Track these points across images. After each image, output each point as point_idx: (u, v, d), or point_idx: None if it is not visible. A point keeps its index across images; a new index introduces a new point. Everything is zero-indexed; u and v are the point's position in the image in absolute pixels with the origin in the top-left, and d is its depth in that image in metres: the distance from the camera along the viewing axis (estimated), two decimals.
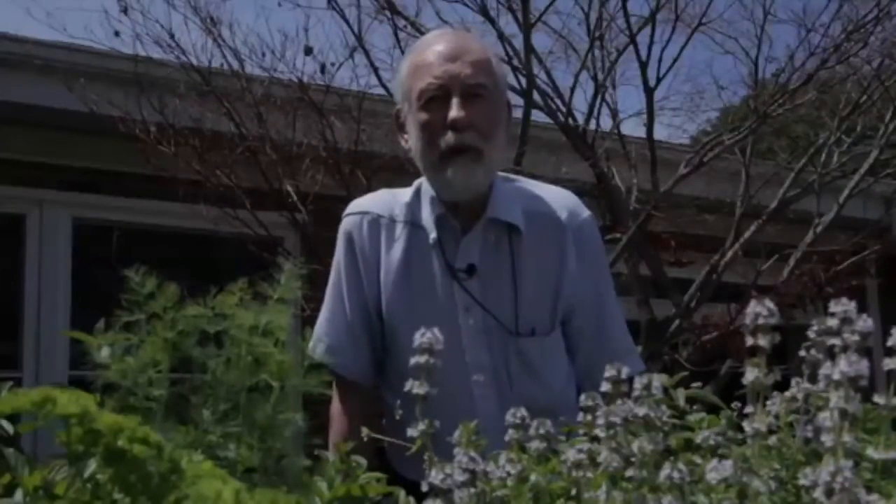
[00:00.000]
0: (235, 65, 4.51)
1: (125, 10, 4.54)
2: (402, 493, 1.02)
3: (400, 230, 1.78)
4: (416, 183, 1.82)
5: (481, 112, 1.70)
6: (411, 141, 1.75)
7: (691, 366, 4.41)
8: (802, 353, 0.90)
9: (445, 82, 1.69)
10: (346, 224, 1.82)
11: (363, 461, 1.05)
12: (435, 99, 1.69)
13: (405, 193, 1.81)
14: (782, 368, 0.82)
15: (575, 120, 4.91)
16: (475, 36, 2.03)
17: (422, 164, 1.74)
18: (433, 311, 1.67)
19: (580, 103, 6.16)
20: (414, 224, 1.77)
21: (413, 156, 1.77)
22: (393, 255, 1.77)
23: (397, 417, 1.20)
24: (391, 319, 1.76)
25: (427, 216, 1.76)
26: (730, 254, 5.01)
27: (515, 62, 4.61)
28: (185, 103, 4.34)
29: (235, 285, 1.12)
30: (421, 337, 0.96)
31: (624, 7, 4.85)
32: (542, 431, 0.93)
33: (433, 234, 1.74)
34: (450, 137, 1.68)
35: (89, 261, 4.81)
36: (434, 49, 1.73)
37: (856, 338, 0.73)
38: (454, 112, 1.67)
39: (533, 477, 0.89)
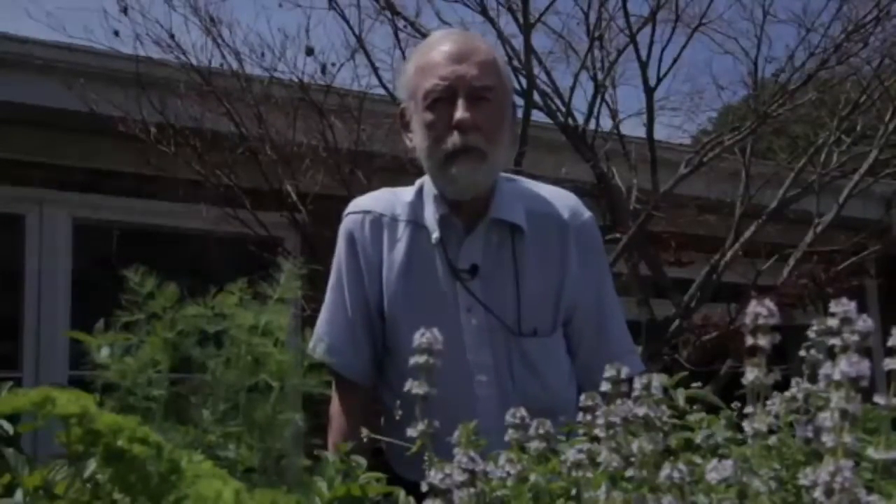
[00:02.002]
0: (235, 65, 4.51)
1: (125, 10, 4.54)
2: (402, 494, 1.03)
3: (402, 229, 1.77)
4: (418, 182, 1.81)
5: (486, 114, 1.69)
6: (416, 140, 1.75)
7: (691, 366, 4.41)
8: (802, 353, 0.90)
9: (452, 83, 1.69)
10: (347, 223, 1.81)
11: (363, 461, 1.05)
12: (441, 100, 1.69)
13: (407, 192, 1.81)
14: (782, 368, 0.82)
15: (575, 120, 4.91)
16: (481, 37, 2.03)
17: (426, 164, 1.74)
18: (435, 311, 1.67)
19: (580, 103, 6.17)
20: (416, 223, 1.77)
21: (417, 154, 1.76)
22: (395, 254, 1.76)
23: (397, 417, 1.20)
24: (393, 319, 1.76)
25: (430, 215, 1.75)
26: (730, 254, 5.01)
27: (515, 62, 4.61)
28: (186, 103, 4.34)
29: (235, 285, 1.12)
30: (420, 337, 0.96)
31: (624, 7, 4.84)
32: (541, 431, 0.93)
33: (436, 234, 1.74)
34: (455, 138, 1.68)
35: (89, 261, 4.81)
36: (441, 49, 1.73)
37: (856, 338, 0.73)
38: (460, 113, 1.67)
39: (533, 477, 0.89)
